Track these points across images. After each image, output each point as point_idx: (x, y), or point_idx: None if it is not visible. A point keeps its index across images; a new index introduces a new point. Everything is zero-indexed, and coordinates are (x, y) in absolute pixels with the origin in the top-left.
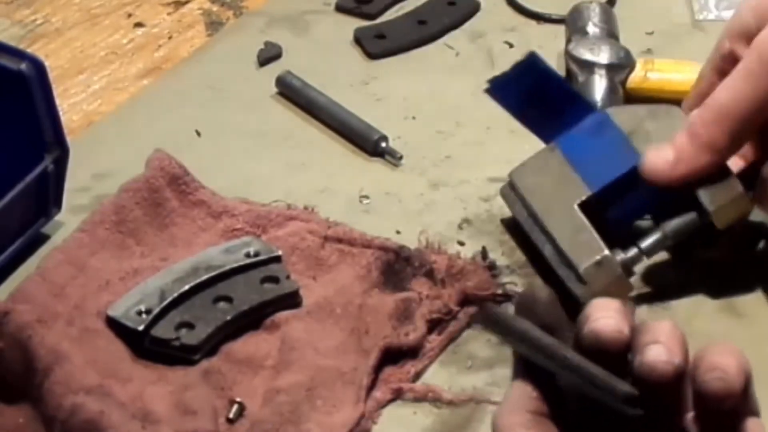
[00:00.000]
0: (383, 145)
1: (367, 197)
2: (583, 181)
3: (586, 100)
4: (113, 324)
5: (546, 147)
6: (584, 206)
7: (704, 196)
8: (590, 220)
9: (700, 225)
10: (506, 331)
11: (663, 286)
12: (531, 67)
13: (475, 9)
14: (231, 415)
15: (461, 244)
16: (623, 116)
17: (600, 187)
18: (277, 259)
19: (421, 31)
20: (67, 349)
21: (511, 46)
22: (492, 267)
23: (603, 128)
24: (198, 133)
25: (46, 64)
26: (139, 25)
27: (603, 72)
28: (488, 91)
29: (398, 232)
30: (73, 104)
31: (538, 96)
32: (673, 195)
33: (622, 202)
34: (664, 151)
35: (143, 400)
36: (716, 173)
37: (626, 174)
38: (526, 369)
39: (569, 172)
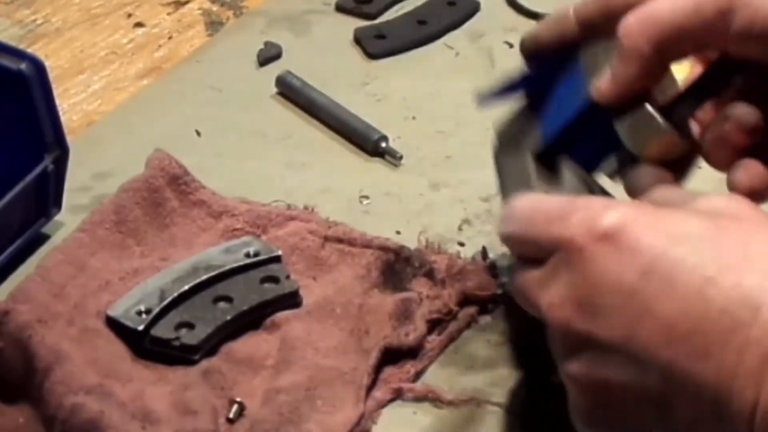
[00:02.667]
0: (383, 145)
1: (367, 197)
2: (541, 129)
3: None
4: (113, 324)
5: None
6: (543, 157)
7: (621, 128)
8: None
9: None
10: None
11: None
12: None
13: (475, 9)
14: (231, 415)
15: (461, 244)
16: (587, 56)
17: (553, 132)
18: (277, 259)
19: (421, 31)
20: (67, 349)
21: (511, 46)
22: (492, 267)
23: (567, 70)
24: (198, 133)
25: (46, 64)
26: (139, 25)
27: None
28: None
29: (398, 233)
30: (73, 104)
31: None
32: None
33: (583, 147)
34: (605, 72)
35: (143, 400)
36: (636, 104)
37: (578, 115)
38: None
39: (532, 120)
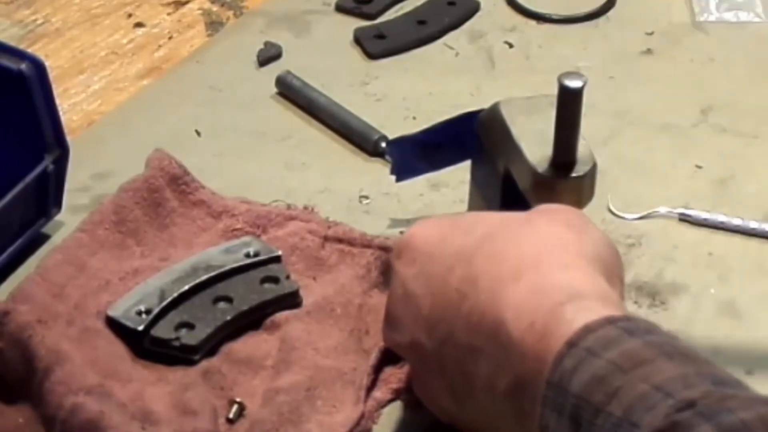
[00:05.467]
0: (383, 145)
1: (367, 197)
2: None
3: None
4: (113, 324)
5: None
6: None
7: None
8: None
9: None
10: None
11: (662, 286)
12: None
13: (474, 9)
14: (231, 415)
15: None
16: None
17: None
18: (277, 259)
19: (421, 31)
20: (67, 349)
21: (511, 46)
22: None
23: None
24: (198, 133)
25: (46, 64)
26: (139, 25)
27: None
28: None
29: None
30: (73, 104)
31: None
32: None
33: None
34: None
35: (143, 400)
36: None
37: None
38: None
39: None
